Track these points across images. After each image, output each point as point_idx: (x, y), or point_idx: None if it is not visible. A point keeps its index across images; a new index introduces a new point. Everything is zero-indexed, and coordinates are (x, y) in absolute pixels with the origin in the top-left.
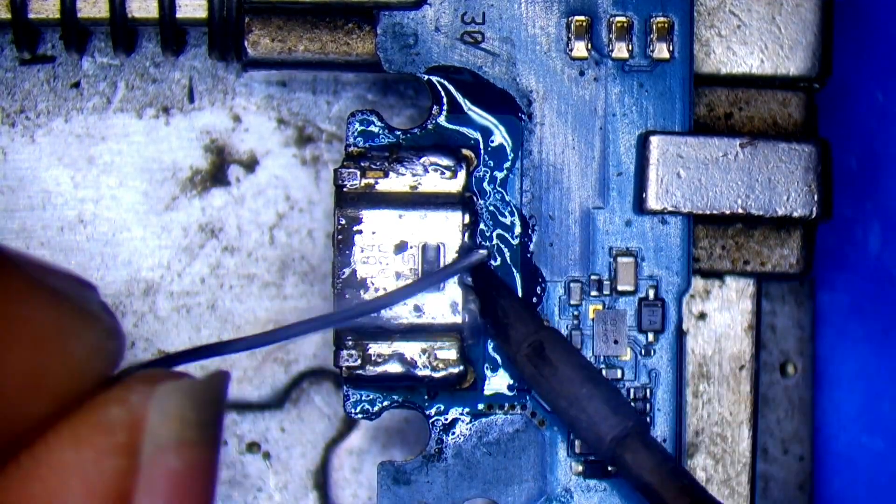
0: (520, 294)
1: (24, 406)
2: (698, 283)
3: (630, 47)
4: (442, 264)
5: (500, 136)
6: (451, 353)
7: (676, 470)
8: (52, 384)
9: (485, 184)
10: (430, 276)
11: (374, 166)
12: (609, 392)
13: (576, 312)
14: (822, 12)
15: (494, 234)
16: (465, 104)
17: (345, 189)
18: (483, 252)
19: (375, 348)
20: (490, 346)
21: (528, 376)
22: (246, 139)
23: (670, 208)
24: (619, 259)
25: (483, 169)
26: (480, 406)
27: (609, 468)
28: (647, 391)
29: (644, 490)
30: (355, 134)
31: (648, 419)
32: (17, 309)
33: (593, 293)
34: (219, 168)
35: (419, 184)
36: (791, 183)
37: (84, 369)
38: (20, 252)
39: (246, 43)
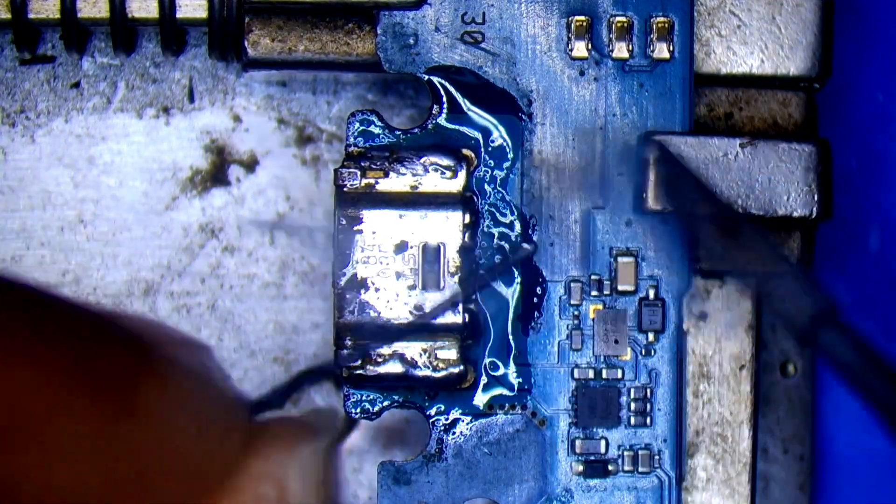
0: (519, 294)
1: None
2: (699, 282)
3: (630, 47)
4: (442, 264)
5: (500, 136)
6: (451, 353)
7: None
8: (211, 474)
9: (485, 184)
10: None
11: (374, 166)
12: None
13: (576, 312)
14: (822, 12)
15: (495, 234)
16: (466, 104)
17: (345, 189)
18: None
19: (375, 348)
20: (489, 347)
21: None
22: (246, 139)
23: (671, 208)
24: (620, 259)
25: (483, 169)
26: (481, 406)
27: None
28: (648, 391)
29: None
30: (355, 134)
31: (649, 419)
32: (174, 415)
33: (594, 293)
34: (219, 168)
35: (419, 184)
36: (791, 183)
37: (220, 434)
38: (154, 329)
39: (246, 43)
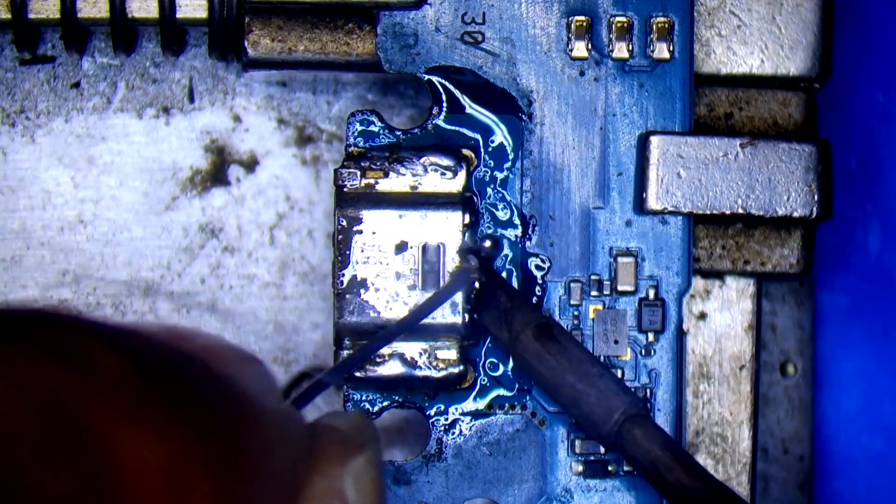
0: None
1: None
2: (698, 283)
3: (630, 47)
4: (442, 265)
5: (500, 136)
6: (451, 353)
7: (682, 451)
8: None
9: (485, 184)
10: (432, 299)
11: (374, 166)
12: (614, 375)
13: (576, 312)
14: (822, 12)
15: (495, 234)
16: (466, 104)
17: (345, 189)
18: (475, 275)
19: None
20: (487, 342)
21: (532, 354)
22: (246, 139)
23: (670, 208)
24: (620, 259)
25: (483, 169)
26: (481, 406)
27: (610, 450)
28: (648, 391)
29: (650, 469)
30: (355, 134)
31: None
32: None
33: (593, 293)
34: (219, 168)
35: (419, 184)
36: (791, 183)
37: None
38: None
39: (246, 43)
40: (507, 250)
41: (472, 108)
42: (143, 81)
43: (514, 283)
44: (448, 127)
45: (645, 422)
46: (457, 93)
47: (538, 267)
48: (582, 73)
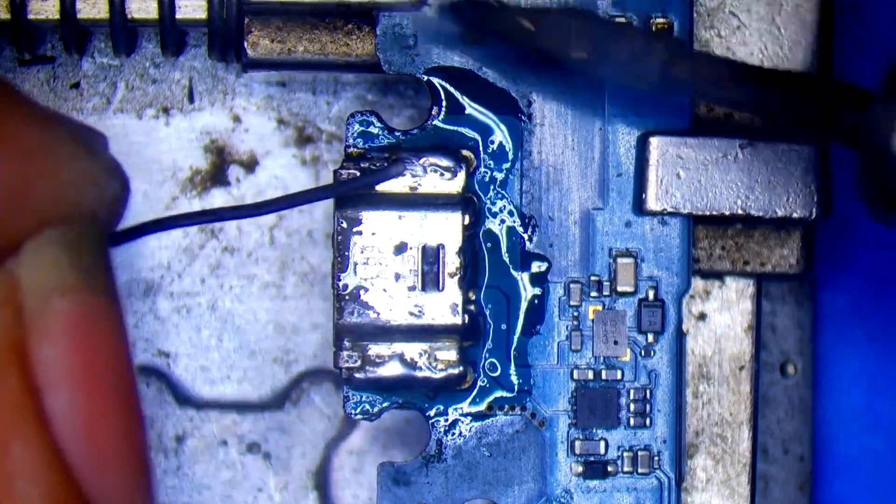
0: (518, 295)
1: (6, 220)
2: (698, 283)
3: None
4: (441, 265)
5: (499, 137)
6: (450, 354)
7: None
8: (38, 203)
9: (485, 185)
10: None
11: (373, 167)
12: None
13: (575, 313)
14: (822, 12)
15: (495, 235)
16: (465, 105)
17: None
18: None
19: (375, 349)
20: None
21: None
22: (246, 139)
23: (670, 209)
24: (619, 260)
25: (483, 170)
26: (481, 407)
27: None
28: (647, 392)
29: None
30: (355, 134)
31: (649, 420)
32: (4, 121)
33: (593, 294)
34: (219, 168)
35: (419, 185)
36: (791, 183)
37: (76, 198)
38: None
39: (246, 44)
40: (506, 250)
41: (471, 109)
42: (142, 82)
43: (514, 284)
44: (447, 127)
45: (685, 58)
46: (456, 93)
47: (538, 267)
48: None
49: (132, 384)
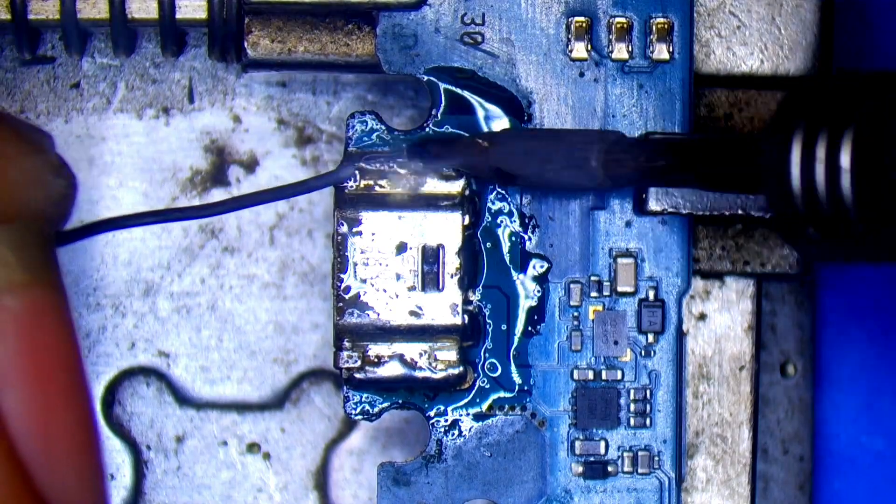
0: (519, 295)
1: None
2: (698, 283)
3: (630, 48)
4: (441, 266)
5: None
6: (450, 354)
7: (660, 142)
8: None
9: (485, 185)
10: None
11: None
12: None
13: (576, 313)
14: (822, 12)
15: (495, 235)
16: (465, 105)
17: (344, 190)
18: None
19: (375, 350)
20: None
21: (501, 156)
22: (246, 140)
23: (670, 209)
24: (619, 260)
25: None
26: (481, 407)
27: (606, 185)
28: (648, 392)
29: (649, 175)
30: (355, 135)
31: (649, 420)
32: None
33: (593, 294)
34: (219, 168)
35: (419, 185)
36: None
37: (21, 197)
38: None
39: (246, 44)
40: (506, 251)
41: (471, 110)
42: (142, 82)
43: (514, 284)
44: (447, 128)
45: (622, 140)
46: (456, 94)
47: (538, 268)
48: (582, 74)
49: (83, 379)
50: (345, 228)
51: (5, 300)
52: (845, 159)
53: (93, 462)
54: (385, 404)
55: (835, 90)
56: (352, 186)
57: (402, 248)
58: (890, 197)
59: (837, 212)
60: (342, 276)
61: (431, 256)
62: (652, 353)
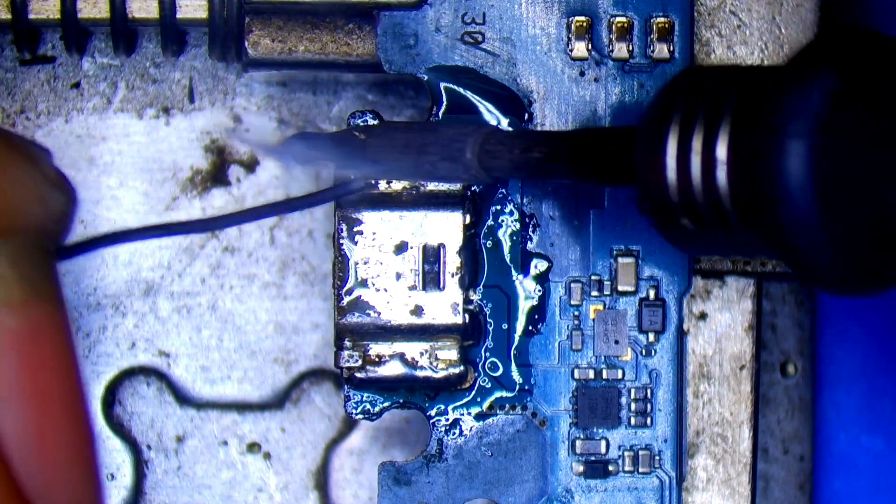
0: (519, 295)
1: None
2: (699, 283)
3: (630, 48)
4: (442, 265)
5: None
6: (451, 354)
7: (531, 134)
8: None
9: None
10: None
11: None
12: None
13: (576, 313)
14: (822, 12)
15: (495, 234)
16: (465, 105)
17: None
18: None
19: (376, 349)
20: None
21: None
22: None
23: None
24: (620, 259)
25: None
26: (481, 407)
27: (482, 180)
28: (648, 391)
29: (526, 167)
30: None
31: (649, 420)
32: None
33: (594, 293)
34: (219, 168)
35: (420, 184)
36: None
37: (21, 212)
38: None
39: (246, 43)
40: (507, 250)
41: (471, 109)
42: (143, 81)
43: (515, 283)
44: None
45: (497, 132)
46: (456, 93)
47: (538, 267)
48: (582, 74)
49: (80, 396)
50: (345, 228)
51: (3, 317)
52: (721, 151)
53: (90, 479)
54: (386, 404)
55: (712, 80)
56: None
57: (402, 247)
58: (765, 189)
59: (713, 204)
60: (342, 275)
61: (432, 256)
62: (652, 352)
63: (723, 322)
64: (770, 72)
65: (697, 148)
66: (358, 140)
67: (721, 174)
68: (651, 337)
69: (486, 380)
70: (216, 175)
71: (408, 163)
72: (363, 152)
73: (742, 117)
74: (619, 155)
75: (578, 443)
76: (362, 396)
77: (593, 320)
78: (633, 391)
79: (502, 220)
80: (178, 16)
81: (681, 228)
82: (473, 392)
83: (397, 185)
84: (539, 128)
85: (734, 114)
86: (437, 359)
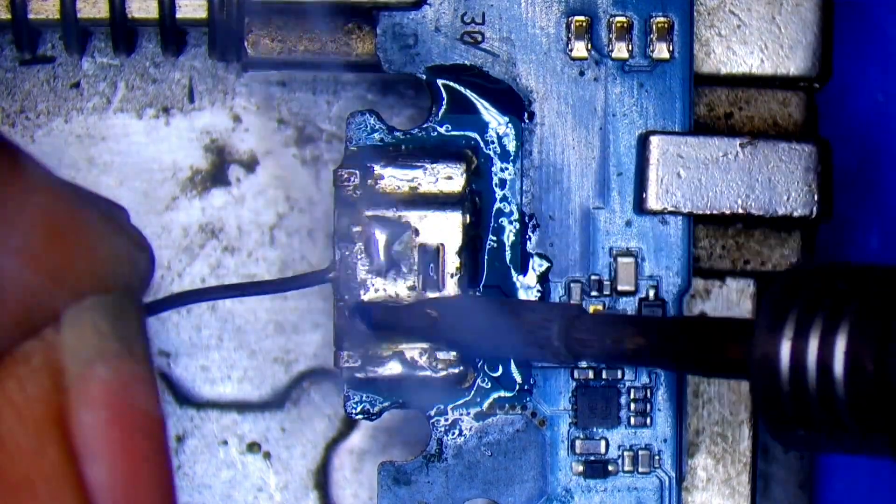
0: (519, 295)
1: (44, 297)
2: (698, 283)
3: (630, 47)
4: (441, 265)
5: (500, 136)
6: (450, 354)
7: (624, 319)
8: (73, 281)
9: (485, 184)
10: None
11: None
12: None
13: None
14: (822, 12)
15: (496, 234)
16: (465, 104)
17: (345, 189)
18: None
19: (376, 349)
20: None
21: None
22: (246, 139)
23: (670, 208)
24: (620, 259)
25: (483, 169)
26: (481, 407)
27: (568, 361)
28: (648, 391)
29: (613, 355)
30: (355, 134)
31: (649, 419)
32: (32, 198)
33: (594, 293)
34: (219, 168)
35: (419, 184)
36: (791, 183)
37: (110, 273)
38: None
39: (246, 43)
40: (507, 250)
41: (471, 109)
42: (143, 81)
43: (515, 283)
44: (448, 127)
45: (585, 317)
46: (457, 93)
47: (538, 267)
48: (582, 73)
49: (167, 452)
50: (345, 227)
51: (98, 369)
52: (838, 368)
53: None
54: (385, 403)
55: (827, 279)
56: (351, 185)
57: (402, 247)
58: (887, 402)
59: (829, 415)
60: (342, 275)
61: (432, 256)
62: None
63: None
64: (891, 276)
65: (812, 363)
66: (430, 317)
67: (839, 391)
68: None
69: (486, 380)
70: (216, 175)
71: (488, 345)
72: (437, 330)
73: (862, 325)
74: (726, 350)
75: (578, 443)
76: (362, 396)
77: None
78: (632, 391)
79: (502, 220)
80: (178, 16)
81: (796, 437)
82: (473, 392)
83: (396, 186)
84: (538, 127)
85: (853, 321)
86: (436, 359)
